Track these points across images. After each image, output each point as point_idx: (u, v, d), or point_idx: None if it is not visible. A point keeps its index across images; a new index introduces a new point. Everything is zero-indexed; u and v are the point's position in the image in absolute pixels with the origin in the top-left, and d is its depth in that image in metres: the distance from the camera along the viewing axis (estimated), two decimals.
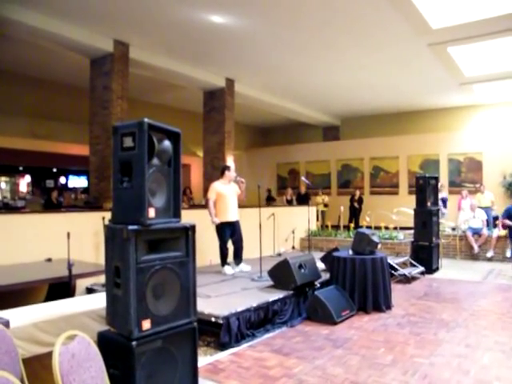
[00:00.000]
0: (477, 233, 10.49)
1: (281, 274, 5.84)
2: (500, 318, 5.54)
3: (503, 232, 10.17)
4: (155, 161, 2.87)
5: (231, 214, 7.12)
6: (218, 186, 7.10)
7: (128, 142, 2.81)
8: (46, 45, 8.92)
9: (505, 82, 12.01)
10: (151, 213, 2.80)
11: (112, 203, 2.97)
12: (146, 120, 2.75)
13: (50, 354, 2.10)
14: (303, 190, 14.73)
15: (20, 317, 3.00)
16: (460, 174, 14.50)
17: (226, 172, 7.21)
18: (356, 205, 14.44)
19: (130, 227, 2.69)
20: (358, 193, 14.75)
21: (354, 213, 14.29)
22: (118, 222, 2.84)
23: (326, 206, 14.61)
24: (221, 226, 7.01)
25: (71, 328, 2.53)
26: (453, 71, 11.18)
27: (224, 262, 7.18)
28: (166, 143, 2.95)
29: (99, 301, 3.39)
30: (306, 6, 7.70)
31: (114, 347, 2.77)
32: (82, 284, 5.80)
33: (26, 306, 3.34)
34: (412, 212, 9.44)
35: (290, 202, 14.06)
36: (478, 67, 10.99)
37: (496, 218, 11.35)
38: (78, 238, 5.51)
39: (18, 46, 9.23)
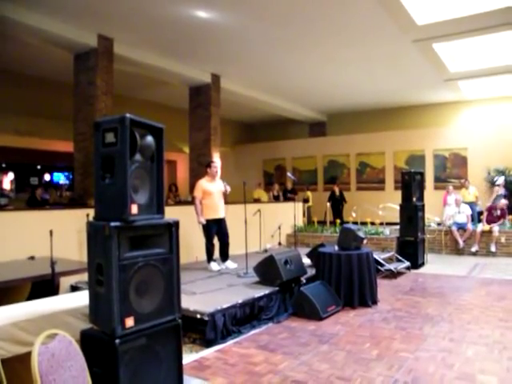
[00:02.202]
0: (462, 228, 10.60)
1: (266, 270, 5.84)
2: (484, 311, 5.60)
3: (487, 227, 10.29)
4: (138, 157, 2.84)
5: (217, 211, 7.09)
6: (203, 184, 7.06)
7: (110, 137, 2.77)
8: (29, 39, 8.78)
9: (489, 78, 12.11)
10: (134, 209, 2.76)
11: (94, 200, 2.93)
12: (127, 115, 2.71)
13: (30, 354, 2.06)
14: (289, 186, 14.72)
15: (0, 316, 2.95)
16: (445, 170, 14.62)
17: (208, 169, 7.18)
18: (340, 200, 14.38)
19: (112, 224, 2.65)
20: (337, 189, 14.65)
21: (338, 209, 14.21)
22: (101, 218, 2.80)
23: (305, 201, 14.55)
24: (207, 223, 6.98)
25: (54, 327, 2.49)
26: (438, 67, 11.25)
27: (210, 258, 7.16)
28: (149, 139, 2.91)
29: (82, 299, 3.34)
30: (293, 2, 7.68)
31: (97, 345, 2.74)
32: (66, 282, 5.74)
33: (7, 305, 3.28)
34: (398, 207, 9.50)
35: (276, 198, 14.07)
36: (463, 63, 11.07)
37: (480, 213, 11.47)
38: (62, 235, 5.44)
39: (0, 41, 9.06)
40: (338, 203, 14.27)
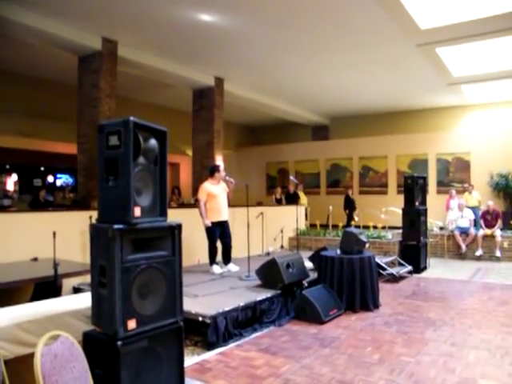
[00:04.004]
0: (464, 232, 10.58)
1: (269, 273, 5.84)
2: (486, 316, 5.59)
3: (488, 231, 10.27)
4: (141, 159, 2.86)
5: (221, 213, 7.10)
6: (208, 187, 7.07)
7: (114, 140, 2.79)
8: (34, 42, 8.83)
9: (493, 82, 12.11)
10: (137, 212, 2.78)
11: (97, 202, 2.95)
12: (131, 118, 2.73)
13: (33, 355, 2.08)
14: (292, 189, 14.72)
15: (3, 317, 2.96)
16: (448, 174, 14.59)
17: (216, 173, 7.18)
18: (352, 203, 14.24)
19: (116, 226, 2.67)
20: (351, 192, 14.55)
21: (352, 211, 14.03)
22: (104, 221, 2.82)
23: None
24: (211, 225, 6.99)
25: (56, 328, 2.50)
26: (441, 72, 11.25)
27: (212, 261, 7.16)
28: (152, 142, 2.94)
29: (85, 300, 3.36)
30: (297, 5, 7.70)
31: (99, 347, 2.76)
32: (69, 283, 5.75)
33: (10, 306, 3.30)
34: (400, 211, 9.50)
35: (279, 201, 14.07)
36: (466, 68, 11.07)
37: None
38: (65, 237, 5.46)
39: (4, 43, 9.11)
40: (352, 207, 14.11)
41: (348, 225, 12.48)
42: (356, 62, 10.72)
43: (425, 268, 9.20)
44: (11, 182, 15.70)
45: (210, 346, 4.46)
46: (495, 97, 13.93)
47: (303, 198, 14.18)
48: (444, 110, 15.34)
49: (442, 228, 11.36)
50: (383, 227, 10.91)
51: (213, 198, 7.01)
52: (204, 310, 4.67)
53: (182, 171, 17.72)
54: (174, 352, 3.01)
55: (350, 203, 14.06)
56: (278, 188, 14.93)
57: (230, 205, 7.54)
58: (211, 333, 4.51)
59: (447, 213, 11.88)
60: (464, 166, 14.29)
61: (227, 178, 7.28)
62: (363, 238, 6.29)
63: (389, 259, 8.78)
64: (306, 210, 13.22)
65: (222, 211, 7.10)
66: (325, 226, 12.38)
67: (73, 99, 9.72)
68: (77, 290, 5.87)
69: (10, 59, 10.25)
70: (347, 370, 3.84)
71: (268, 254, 9.24)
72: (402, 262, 8.82)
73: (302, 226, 11.71)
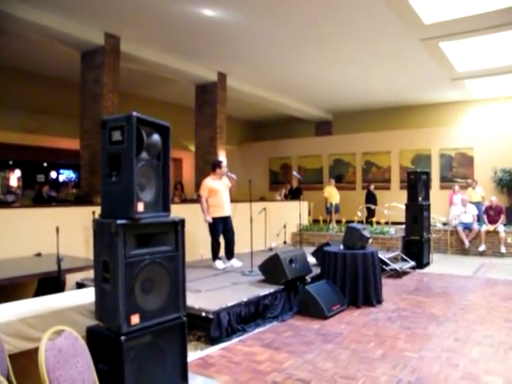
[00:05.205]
0: (468, 228, 10.56)
1: (272, 268, 5.84)
2: (489, 312, 5.58)
3: (491, 227, 10.24)
4: (144, 155, 2.85)
5: (224, 209, 7.10)
6: (209, 183, 7.07)
7: (116, 135, 2.79)
8: (37, 38, 8.81)
9: (496, 77, 12.05)
10: (140, 207, 2.78)
11: (100, 198, 2.95)
12: (134, 113, 2.73)
13: (37, 350, 2.08)
14: (295, 184, 14.75)
15: (7, 312, 2.97)
16: (451, 169, 14.56)
17: (218, 169, 7.17)
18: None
19: (119, 221, 2.67)
20: (372, 187, 14.50)
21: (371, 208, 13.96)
22: (107, 216, 2.82)
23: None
24: (213, 220, 6.99)
25: (60, 323, 2.51)
26: (445, 66, 11.20)
27: (215, 256, 7.17)
28: (155, 137, 2.93)
29: (88, 295, 3.37)
30: (299, 0, 7.67)
31: (103, 342, 2.76)
32: (72, 279, 5.77)
33: (14, 302, 3.31)
34: (403, 207, 9.48)
35: (287, 197, 14.15)
36: (470, 63, 11.01)
37: None
38: (68, 232, 5.46)
39: (8, 39, 9.11)
40: (374, 202, 13.95)
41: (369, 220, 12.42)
42: (359, 57, 10.68)
43: (428, 263, 9.19)
44: (14, 177, 15.75)
45: (213, 341, 4.47)
46: (499, 92, 13.86)
47: (335, 194, 14.00)
48: (447, 105, 15.28)
49: (445, 223, 11.35)
50: (386, 223, 10.89)
51: (215, 194, 7.01)
52: (207, 305, 4.68)
53: (185, 167, 17.74)
54: (177, 347, 3.02)
55: (371, 198, 14.00)
56: (288, 184, 15.09)
57: (233, 200, 7.54)
58: (214, 328, 4.52)
59: (450, 208, 11.85)
60: (467, 161, 14.26)
61: (228, 173, 7.28)
62: (366, 233, 6.28)
63: (392, 255, 8.78)
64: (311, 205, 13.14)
65: (224, 207, 7.10)
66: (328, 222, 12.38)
67: (75, 95, 9.72)
68: (80, 286, 5.88)
69: (12, 55, 10.25)
70: (350, 366, 3.84)
71: (271, 249, 9.24)
72: (405, 257, 8.82)
73: (305, 221, 11.70)
